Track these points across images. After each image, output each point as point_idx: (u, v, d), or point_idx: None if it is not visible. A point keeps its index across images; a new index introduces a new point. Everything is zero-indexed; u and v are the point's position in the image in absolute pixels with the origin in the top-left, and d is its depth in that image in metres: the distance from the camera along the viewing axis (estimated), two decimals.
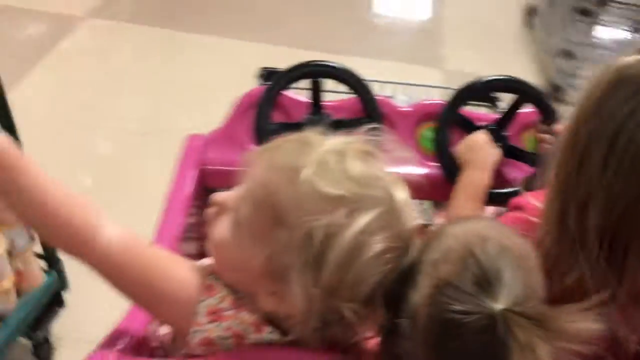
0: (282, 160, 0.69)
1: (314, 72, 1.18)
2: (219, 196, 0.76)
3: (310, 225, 0.65)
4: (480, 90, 1.20)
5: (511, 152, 1.19)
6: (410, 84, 1.45)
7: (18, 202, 0.69)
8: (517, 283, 0.58)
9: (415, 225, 0.70)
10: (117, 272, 0.72)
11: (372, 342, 0.82)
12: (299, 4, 3.11)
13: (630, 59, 0.69)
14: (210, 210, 0.76)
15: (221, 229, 0.73)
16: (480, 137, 1.19)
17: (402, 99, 1.44)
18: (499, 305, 0.57)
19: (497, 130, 1.19)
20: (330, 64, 1.17)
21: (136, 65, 2.52)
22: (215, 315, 0.73)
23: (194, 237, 1.09)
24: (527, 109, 1.22)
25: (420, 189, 1.13)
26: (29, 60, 2.42)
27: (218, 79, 2.36)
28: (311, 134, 0.72)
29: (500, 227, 0.67)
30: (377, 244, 0.66)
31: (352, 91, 1.20)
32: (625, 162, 0.68)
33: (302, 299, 0.66)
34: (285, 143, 0.71)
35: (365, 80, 1.19)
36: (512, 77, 1.17)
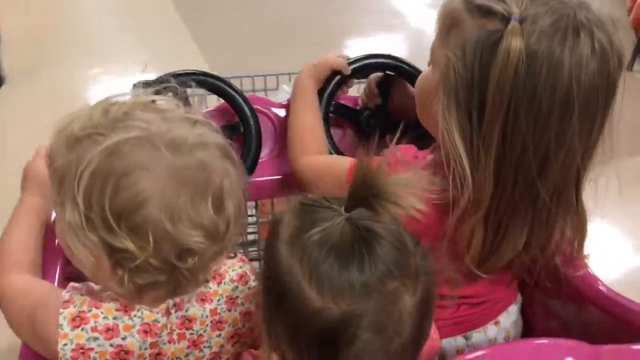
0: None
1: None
2: None
3: (58, 165, 0.70)
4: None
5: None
6: (286, 73, 1.37)
7: None
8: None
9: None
10: (7, 307, 0.80)
11: None
12: None
13: None
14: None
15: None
16: None
17: (286, 91, 1.38)
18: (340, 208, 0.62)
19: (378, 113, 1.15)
20: (187, 72, 1.10)
21: None
22: (77, 320, 0.73)
23: None
24: None
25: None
26: None
27: None
28: None
29: None
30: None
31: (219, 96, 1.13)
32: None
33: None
34: None
35: (228, 81, 1.12)
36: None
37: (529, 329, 1.02)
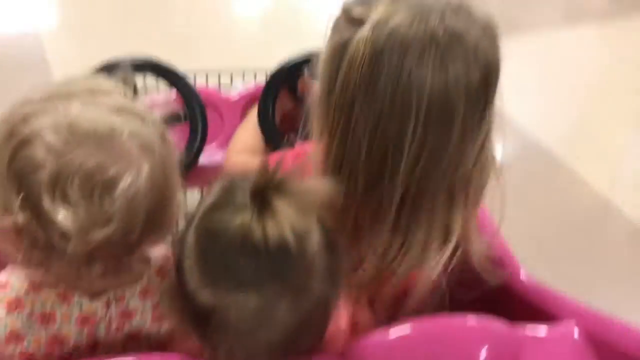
0: None
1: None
2: None
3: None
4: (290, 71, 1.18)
5: None
6: (234, 70, 1.41)
7: None
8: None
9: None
10: None
11: None
12: None
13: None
14: None
15: None
16: None
17: (238, 87, 1.41)
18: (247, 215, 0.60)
19: None
20: (140, 58, 1.12)
21: None
22: (13, 304, 0.73)
23: None
24: None
25: None
26: None
27: None
28: None
29: None
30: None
31: (169, 84, 1.16)
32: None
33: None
34: None
35: (176, 71, 1.15)
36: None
37: None
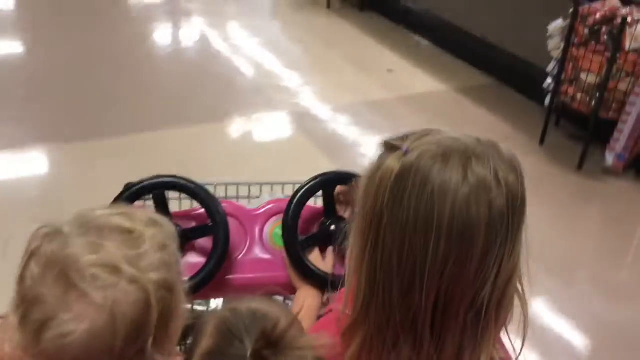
0: None
1: (153, 186, 1.21)
2: None
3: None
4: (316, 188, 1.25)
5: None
6: (263, 183, 1.48)
7: None
8: (256, 328, 0.68)
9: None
10: None
11: None
12: None
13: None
14: None
15: None
16: None
17: (266, 199, 1.48)
18: (248, 349, 0.66)
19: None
20: (166, 179, 1.21)
21: None
22: None
23: None
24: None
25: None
26: None
27: None
28: None
29: (253, 298, 0.77)
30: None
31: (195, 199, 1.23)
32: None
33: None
34: None
35: (203, 187, 1.22)
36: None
37: None
